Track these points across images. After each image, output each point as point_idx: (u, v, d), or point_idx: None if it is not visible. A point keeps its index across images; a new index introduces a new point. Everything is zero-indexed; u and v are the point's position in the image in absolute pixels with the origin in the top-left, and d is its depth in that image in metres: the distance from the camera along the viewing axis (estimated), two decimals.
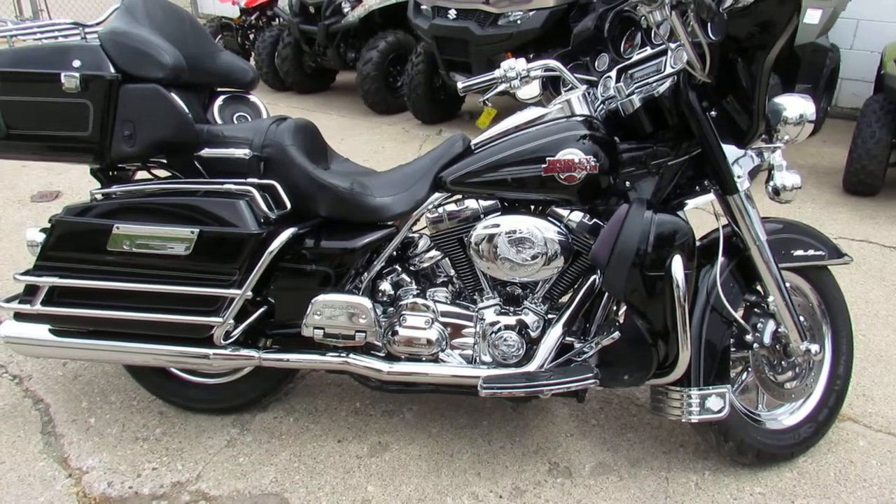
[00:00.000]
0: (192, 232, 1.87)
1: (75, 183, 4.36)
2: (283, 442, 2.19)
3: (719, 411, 1.88)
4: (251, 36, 7.13)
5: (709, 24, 1.65)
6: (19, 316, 2.04)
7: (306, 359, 2.03)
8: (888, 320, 2.88)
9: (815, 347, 1.98)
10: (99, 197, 1.97)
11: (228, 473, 2.06)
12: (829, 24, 4.78)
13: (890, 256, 3.49)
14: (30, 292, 2.00)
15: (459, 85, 1.98)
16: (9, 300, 2.04)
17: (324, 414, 2.31)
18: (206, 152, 1.94)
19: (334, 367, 2.04)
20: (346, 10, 5.75)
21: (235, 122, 2.20)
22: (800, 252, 2.03)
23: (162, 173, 2.07)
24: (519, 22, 4.83)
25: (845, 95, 5.96)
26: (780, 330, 2.00)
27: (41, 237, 2.00)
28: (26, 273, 1.99)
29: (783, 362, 2.05)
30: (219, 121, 2.16)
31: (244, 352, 2.02)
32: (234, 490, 2.00)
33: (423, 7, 5.25)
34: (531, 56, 4.98)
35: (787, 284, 1.96)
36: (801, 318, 2.00)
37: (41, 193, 4.25)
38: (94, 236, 1.92)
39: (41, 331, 2.06)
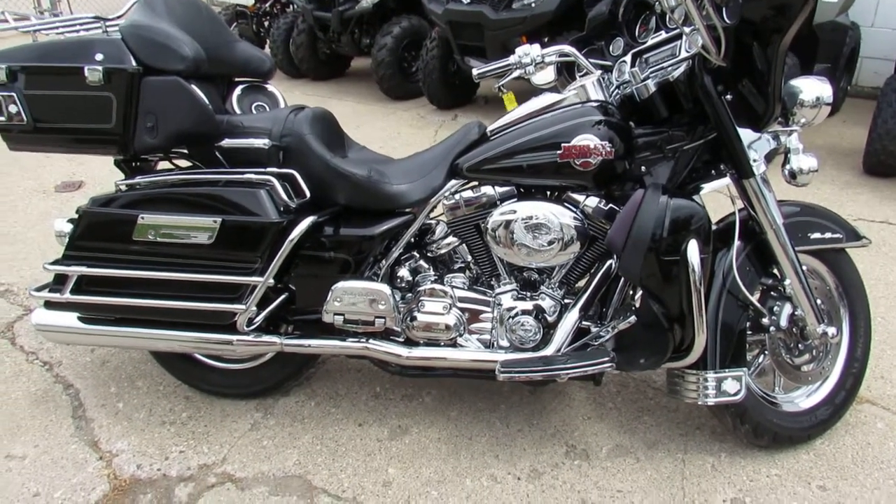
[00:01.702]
0: (215, 221, 1.91)
1: (97, 173, 4.43)
2: (305, 426, 2.24)
3: (735, 394, 1.90)
4: (266, 23, 7.14)
5: (723, 8, 1.64)
6: (49, 304, 2.10)
7: (327, 344, 2.07)
8: None
9: (832, 330, 1.99)
10: (123, 188, 2.02)
11: (253, 456, 2.11)
12: (849, 2, 4.71)
13: None
14: (59, 281, 2.05)
15: (474, 72, 1.99)
16: (39, 289, 2.10)
17: (344, 398, 2.36)
18: (227, 142, 1.97)
19: (354, 353, 2.08)
20: None
21: (254, 111, 2.23)
22: (817, 235, 2.03)
23: (183, 163, 2.11)
24: (533, 5, 4.81)
25: (866, 74, 5.87)
26: (796, 313, 2.00)
27: (69, 227, 2.05)
28: (55, 262, 2.04)
29: (800, 345, 2.06)
30: (237, 110, 2.19)
31: (266, 338, 2.07)
32: (259, 472, 2.05)
33: None
34: (545, 39, 4.97)
35: (804, 267, 1.96)
36: (819, 301, 2.00)
37: (64, 183, 4.32)
38: (119, 226, 1.96)
39: (70, 318, 2.11)
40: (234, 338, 2.05)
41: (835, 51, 4.83)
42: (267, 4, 7.09)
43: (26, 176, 4.42)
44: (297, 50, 6.44)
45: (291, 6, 6.76)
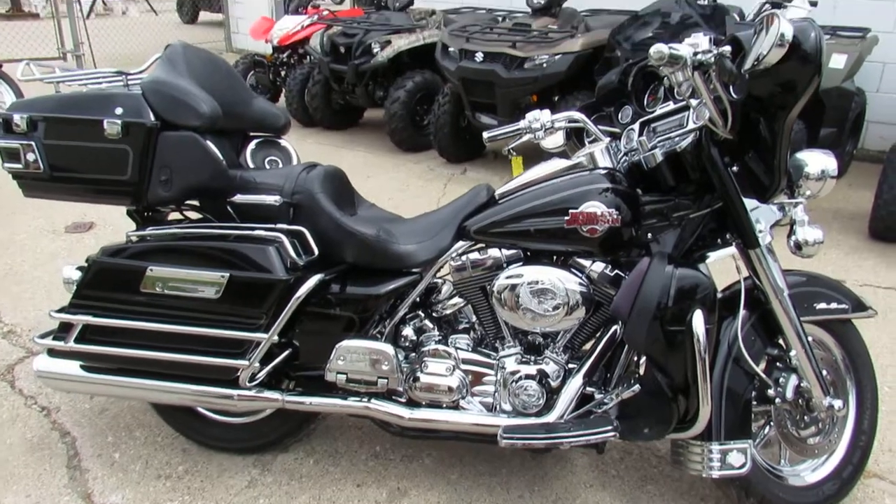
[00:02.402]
0: (223, 276, 1.92)
1: (108, 215, 4.46)
2: (302, 484, 2.20)
3: (741, 467, 1.87)
4: (282, 73, 7.29)
5: (731, 85, 1.68)
6: (53, 352, 2.10)
7: (328, 402, 2.06)
8: None
9: (838, 403, 1.97)
10: (134, 239, 2.04)
11: None
12: (855, 68, 4.81)
13: None
14: (64, 329, 2.06)
15: (485, 135, 2.03)
16: (43, 336, 2.11)
17: (344, 456, 2.33)
18: (239, 198, 2.00)
19: (355, 412, 2.06)
20: (375, 51, 5.88)
21: (267, 165, 2.27)
22: (822, 305, 2.03)
23: (194, 215, 2.14)
24: (545, 65, 4.91)
25: (872, 138, 5.93)
26: (802, 385, 1.98)
27: (77, 275, 2.07)
28: (61, 310, 2.05)
29: (806, 417, 2.03)
30: (251, 164, 2.23)
31: (268, 394, 2.06)
32: None
33: (451, 49, 5.35)
34: (556, 99, 5.06)
35: (810, 338, 1.95)
36: (825, 373, 1.98)
37: (75, 224, 4.36)
38: (128, 277, 1.98)
39: (72, 366, 2.11)
40: (235, 392, 2.04)
41: (841, 115, 4.89)
42: (284, 55, 7.24)
43: (38, 215, 4.46)
44: (312, 100, 6.56)
45: (308, 57, 6.90)
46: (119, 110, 1.91)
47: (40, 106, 1.97)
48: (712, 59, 1.60)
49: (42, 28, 8.73)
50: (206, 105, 1.94)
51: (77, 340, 2.05)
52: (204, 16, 14.48)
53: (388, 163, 5.88)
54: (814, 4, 5.16)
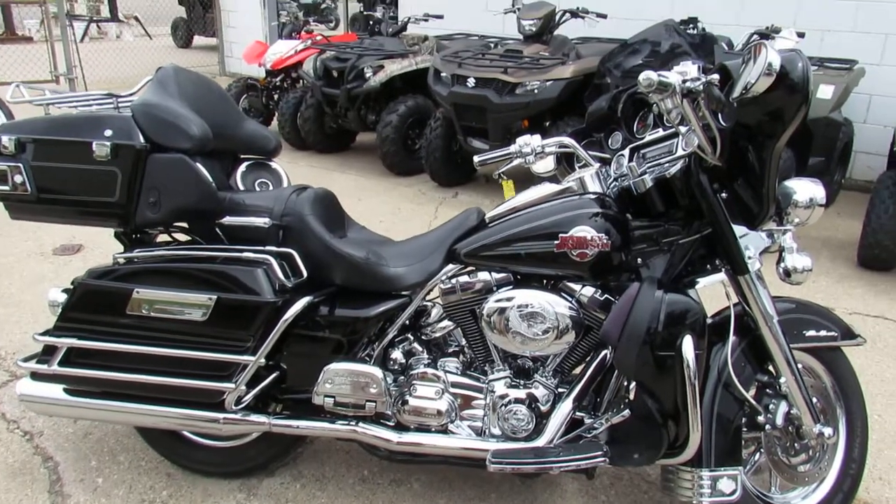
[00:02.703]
0: (210, 298, 1.90)
1: (97, 237, 4.44)
2: None
3: (731, 494, 1.86)
4: (275, 97, 7.32)
5: (719, 113, 1.70)
6: (36, 375, 2.07)
7: (315, 426, 2.03)
8: None
9: (828, 431, 1.96)
10: (121, 261, 2.02)
11: None
12: (843, 99, 4.88)
13: None
14: (48, 352, 2.03)
15: (476, 159, 2.04)
16: (27, 359, 2.08)
17: (331, 481, 2.30)
18: (228, 220, 1.99)
19: (343, 436, 2.04)
20: (368, 75, 5.92)
21: (257, 187, 2.26)
22: (812, 332, 2.03)
23: (182, 237, 2.12)
24: (536, 91, 4.96)
25: (859, 168, 6.00)
26: (792, 412, 1.98)
27: (62, 297, 2.04)
28: (45, 333, 2.02)
29: (796, 445, 2.02)
30: (241, 186, 2.23)
31: (254, 417, 2.03)
32: None
33: (443, 74, 5.40)
34: (546, 124, 5.10)
35: (800, 365, 1.95)
36: (815, 400, 1.98)
37: (63, 246, 4.33)
38: (114, 299, 1.96)
39: (56, 390, 2.08)
40: (221, 416, 2.01)
41: (829, 145, 4.95)
42: (277, 79, 7.28)
43: (25, 237, 4.43)
44: (305, 123, 6.59)
45: (301, 82, 6.95)
46: (108, 132, 1.91)
47: (29, 128, 1.97)
48: (701, 87, 1.62)
49: (35, 51, 8.76)
50: (196, 127, 1.93)
51: (61, 364, 2.02)
52: (198, 40, 14.57)
53: (380, 186, 5.89)
54: (801, 36, 5.27)
